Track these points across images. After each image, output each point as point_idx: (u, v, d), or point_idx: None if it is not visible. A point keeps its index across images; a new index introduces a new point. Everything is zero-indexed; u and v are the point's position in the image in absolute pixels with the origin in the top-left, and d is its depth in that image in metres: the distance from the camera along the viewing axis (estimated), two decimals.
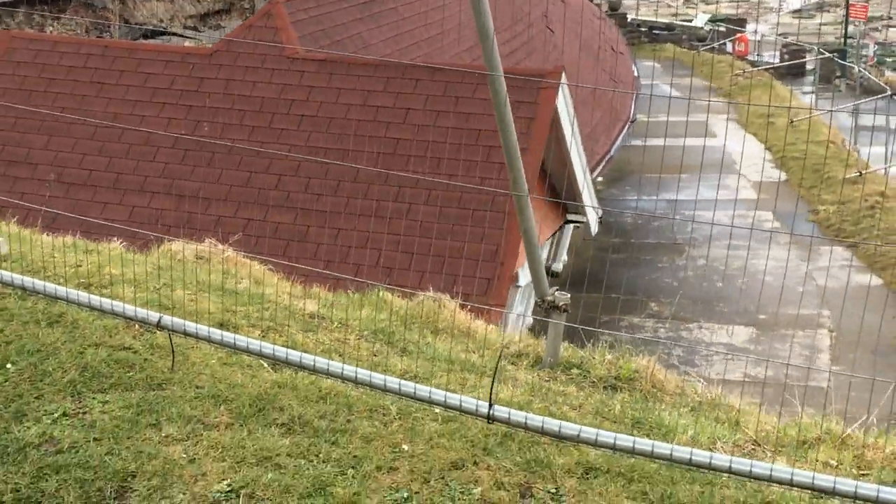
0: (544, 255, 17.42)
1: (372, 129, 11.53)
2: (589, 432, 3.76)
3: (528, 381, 4.68)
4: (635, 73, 23.48)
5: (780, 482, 3.53)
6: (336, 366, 4.09)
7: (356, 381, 4.06)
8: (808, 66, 34.50)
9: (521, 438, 4.00)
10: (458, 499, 3.64)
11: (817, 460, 4.19)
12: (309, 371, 4.17)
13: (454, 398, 3.93)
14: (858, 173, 21.19)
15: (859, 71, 27.82)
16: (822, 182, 21.71)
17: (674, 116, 23.25)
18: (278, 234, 11.09)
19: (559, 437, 3.81)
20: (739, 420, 4.59)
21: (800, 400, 5.09)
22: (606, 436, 3.74)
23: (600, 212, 14.22)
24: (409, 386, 3.96)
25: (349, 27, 14.00)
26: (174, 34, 23.36)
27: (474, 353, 5.04)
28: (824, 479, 3.43)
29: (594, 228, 14.12)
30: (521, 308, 14.60)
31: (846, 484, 3.40)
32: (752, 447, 4.35)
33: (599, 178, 24.47)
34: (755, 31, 35.71)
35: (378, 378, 4.00)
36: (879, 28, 41.07)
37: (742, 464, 3.59)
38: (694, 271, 19.27)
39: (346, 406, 4.14)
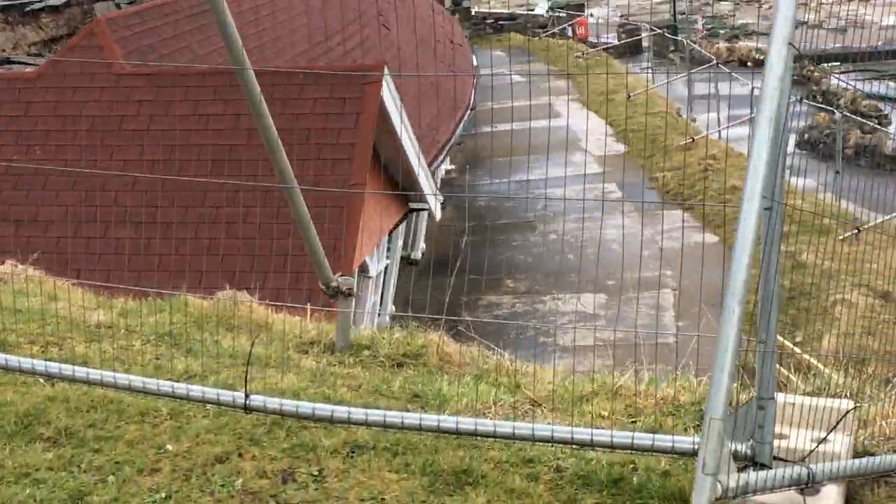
0: (400, 243, 17.89)
1: (204, 137, 11.79)
2: (341, 412, 3.88)
3: (312, 368, 4.80)
4: (474, 63, 24.17)
5: (543, 440, 3.75)
6: (95, 373, 4.16)
7: (116, 386, 4.14)
8: (644, 44, 35.92)
9: (290, 425, 4.07)
10: (219, 492, 3.73)
11: (590, 413, 4.37)
12: (67, 380, 4.24)
13: (212, 392, 4.02)
14: (690, 139, 22.33)
15: (687, 44, 29.19)
16: (660, 151, 22.80)
17: (518, 101, 24.06)
18: (119, 249, 11.25)
19: (313, 419, 3.92)
20: (520, 383, 4.73)
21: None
22: (358, 413, 3.87)
23: (441, 197, 14.75)
24: (166, 385, 4.06)
25: (178, 40, 14.17)
26: (14, 62, 23.01)
27: (266, 346, 5.11)
28: (563, 431, 3.71)
29: (437, 214, 14.64)
30: (375, 298, 15.02)
31: (581, 433, 3.69)
32: (531, 407, 4.54)
33: (452, 167, 25.13)
34: (591, 15, 36.98)
35: (137, 381, 4.09)
36: (710, 2, 42.98)
37: (504, 426, 3.78)
38: (546, 247, 20.05)
39: (116, 412, 4.20)
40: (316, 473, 3.83)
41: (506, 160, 24.30)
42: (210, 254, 11.09)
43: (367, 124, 11.76)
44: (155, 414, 4.19)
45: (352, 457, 3.93)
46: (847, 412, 3.65)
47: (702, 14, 38.67)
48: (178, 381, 4.17)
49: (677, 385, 5.06)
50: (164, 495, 3.71)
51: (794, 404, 4.00)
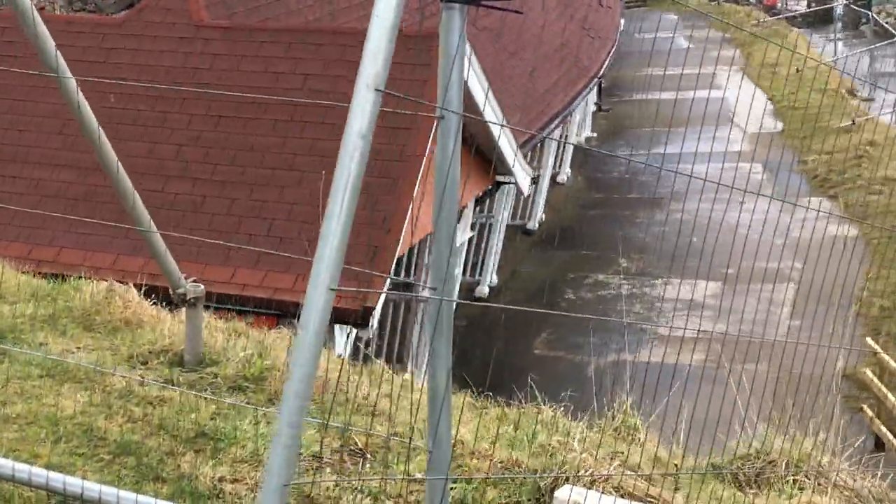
0: (506, 215, 17.22)
1: (271, 95, 11.53)
2: None
3: (118, 387, 4.36)
4: (620, 27, 22.94)
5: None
6: None
7: None
8: (839, 11, 33.35)
9: None
10: None
11: None
12: None
13: None
14: (851, 122, 20.50)
15: (872, 17, 26.84)
16: (819, 132, 21.05)
17: (678, 70, 22.72)
18: (174, 205, 11.17)
19: None
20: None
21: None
22: None
23: (532, 172, 14.02)
24: None
25: None
26: None
27: (107, 352, 4.76)
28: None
29: (525, 188, 13.92)
30: (457, 270, 14.52)
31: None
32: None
33: (593, 134, 24.11)
34: None
35: None
36: None
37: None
38: (670, 226, 18.91)
39: None
40: None
41: (649, 130, 23.08)
42: (260, 217, 10.87)
43: (432, 92, 11.16)
44: None
45: None
46: None
47: None
48: None
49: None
50: None
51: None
